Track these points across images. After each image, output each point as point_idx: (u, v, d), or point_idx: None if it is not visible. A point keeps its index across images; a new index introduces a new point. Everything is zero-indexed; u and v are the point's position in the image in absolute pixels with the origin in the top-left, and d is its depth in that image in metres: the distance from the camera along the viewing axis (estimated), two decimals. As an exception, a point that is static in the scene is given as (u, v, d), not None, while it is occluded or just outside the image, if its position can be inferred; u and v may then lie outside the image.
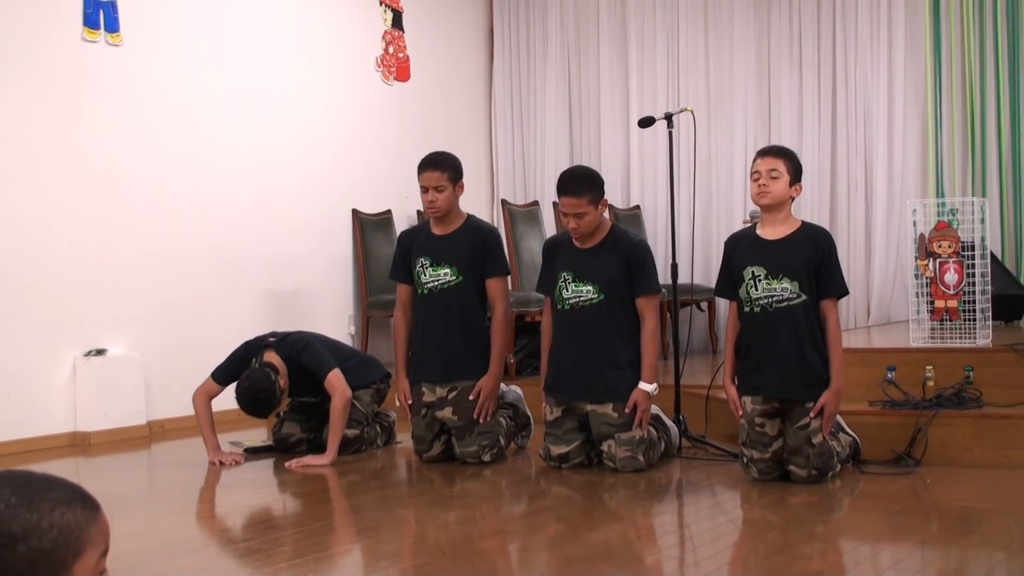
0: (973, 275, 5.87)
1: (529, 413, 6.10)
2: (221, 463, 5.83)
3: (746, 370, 5.06)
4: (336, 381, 5.80)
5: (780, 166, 4.96)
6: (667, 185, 6.58)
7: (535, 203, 9.31)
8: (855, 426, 5.34)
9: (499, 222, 8.89)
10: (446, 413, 5.70)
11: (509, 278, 5.93)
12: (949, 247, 5.87)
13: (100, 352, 6.91)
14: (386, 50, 9.11)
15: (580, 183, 5.38)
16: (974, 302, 5.87)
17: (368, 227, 8.66)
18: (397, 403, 5.94)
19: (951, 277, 5.87)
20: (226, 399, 5.96)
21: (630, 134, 9.48)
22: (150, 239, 7.26)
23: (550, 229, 8.85)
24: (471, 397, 5.65)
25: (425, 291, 5.75)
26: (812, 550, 3.94)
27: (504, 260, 5.86)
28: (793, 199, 5.05)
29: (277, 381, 5.74)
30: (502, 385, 5.87)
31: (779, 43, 9.02)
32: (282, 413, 6.25)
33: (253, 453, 6.19)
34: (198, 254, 7.55)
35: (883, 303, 8.58)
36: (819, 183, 8.75)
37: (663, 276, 6.00)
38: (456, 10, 9.84)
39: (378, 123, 9.00)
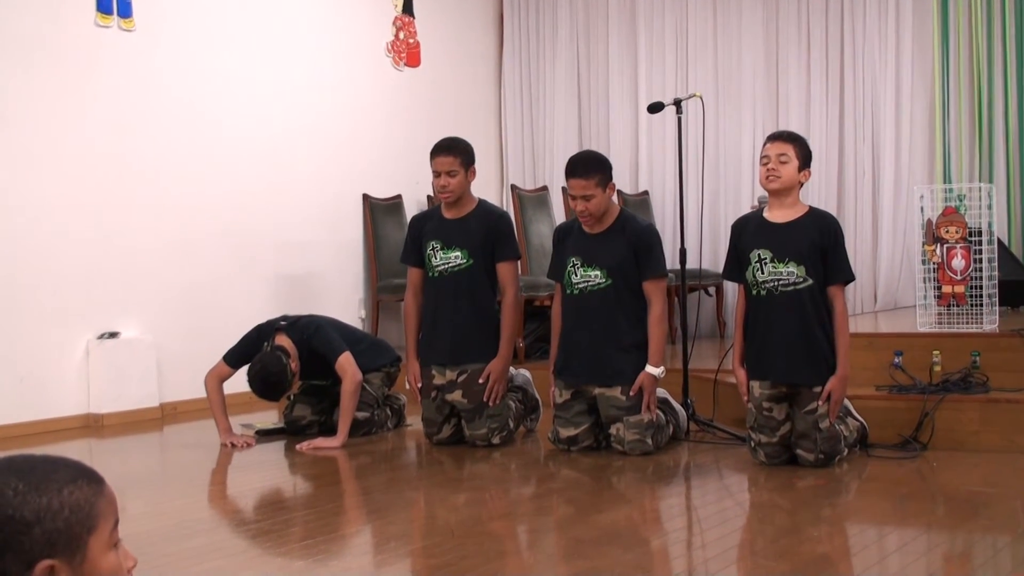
0: (980, 261, 5.85)
1: (538, 396, 6.09)
2: (233, 445, 5.84)
3: (753, 354, 5.04)
4: (347, 364, 5.80)
5: (790, 151, 4.94)
6: (675, 171, 6.56)
7: (544, 188, 9.30)
8: (862, 410, 5.33)
9: (508, 207, 8.87)
10: (456, 396, 5.70)
11: (519, 263, 5.92)
12: (956, 233, 5.84)
13: (113, 335, 6.92)
14: (397, 36, 9.09)
15: (588, 165, 5.39)
16: (981, 287, 5.85)
17: (378, 212, 8.65)
18: (407, 386, 5.95)
19: (958, 263, 5.85)
20: (238, 382, 5.97)
21: (639, 120, 9.45)
22: (162, 224, 7.25)
23: (559, 214, 8.84)
24: (481, 380, 5.64)
25: (436, 274, 5.75)
26: (819, 533, 3.94)
27: (515, 245, 5.85)
28: (802, 184, 5.03)
29: (288, 364, 5.75)
30: (511, 368, 5.86)
31: (787, 29, 8.98)
32: (293, 396, 6.25)
33: (264, 435, 6.20)
34: (210, 239, 7.55)
35: (890, 288, 8.56)
36: (827, 169, 8.73)
37: (671, 261, 5.98)
38: (466, -4, 9.82)
39: (388, 109, 8.97)
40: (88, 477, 1.54)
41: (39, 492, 1.47)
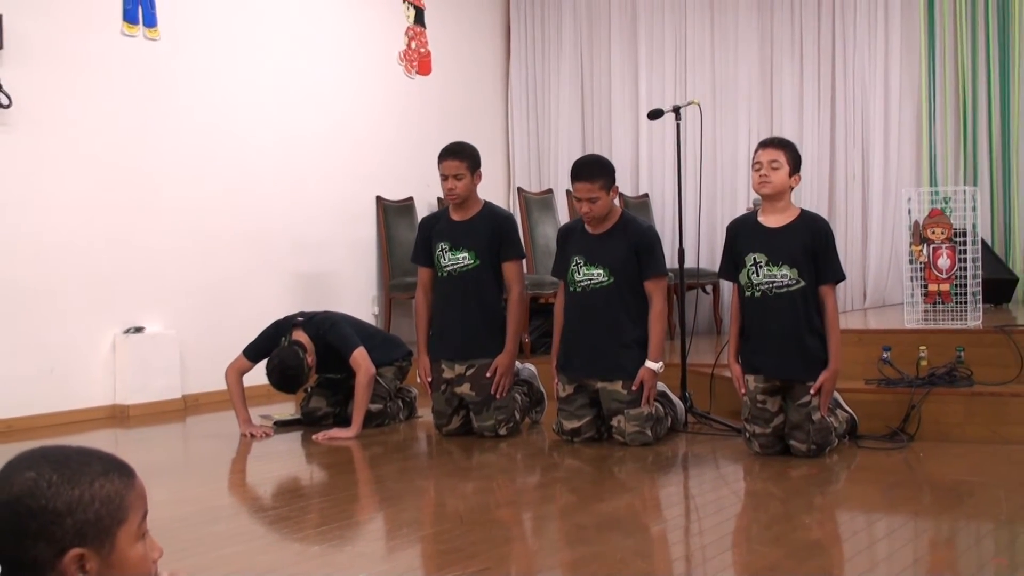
0: (965, 260, 5.83)
1: (543, 389, 6.08)
2: (252, 435, 5.84)
3: (748, 351, 5.03)
4: (361, 359, 5.80)
5: (781, 157, 4.93)
6: (674, 174, 6.55)
7: (549, 191, 9.28)
8: (852, 403, 5.32)
9: (515, 209, 8.87)
10: (464, 389, 5.69)
11: (524, 262, 5.91)
12: (942, 233, 5.83)
13: (138, 330, 6.92)
14: (408, 45, 9.08)
15: (593, 169, 5.38)
16: (966, 286, 5.83)
17: (391, 213, 8.65)
18: (418, 379, 5.94)
19: (944, 262, 5.84)
20: (257, 375, 5.96)
21: (639, 126, 9.45)
22: (185, 224, 7.26)
23: (563, 215, 8.82)
24: (488, 374, 5.64)
25: (445, 274, 5.74)
26: (811, 520, 3.93)
27: (519, 244, 5.84)
28: (792, 188, 5.02)
29: (305, 358, 5.75)
30: (517, 363, 5.85)
31: (781, 39, 8.97)
32: (310, 388, 6.25)
33: (282, 426, 6.20)
34: (230, 238, 7.55)
35: (879, 286, 8.55)
36: (818, 173, 8.72)
37: (670, 260, 5.97)
38: (475, 7, 9.80)
39: (400, 115, 8.97)
40: (120, 471, 1.53)
41: (72, 484, 1.47)
